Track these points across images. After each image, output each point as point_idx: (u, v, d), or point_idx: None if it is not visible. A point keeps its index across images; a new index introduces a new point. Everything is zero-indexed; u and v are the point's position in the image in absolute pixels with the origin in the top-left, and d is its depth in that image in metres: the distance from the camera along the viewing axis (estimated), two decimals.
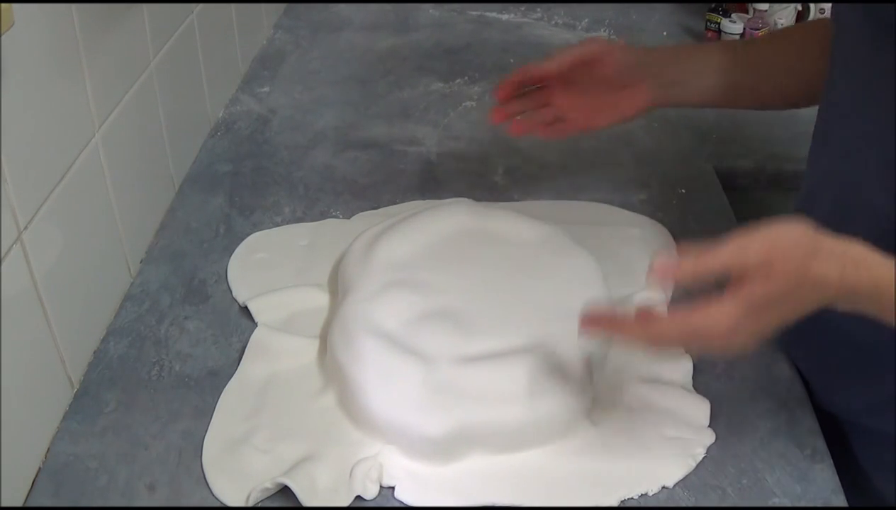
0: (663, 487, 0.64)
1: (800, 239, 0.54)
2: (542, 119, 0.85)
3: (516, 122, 0.85)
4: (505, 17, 1.51)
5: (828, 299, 0.54)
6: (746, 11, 1.39)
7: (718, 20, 1.38)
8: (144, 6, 0.89)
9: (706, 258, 0.54)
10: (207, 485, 0.65)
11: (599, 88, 0.82)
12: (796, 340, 0.77)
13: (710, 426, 0.69)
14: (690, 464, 0.66)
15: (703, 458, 0.67)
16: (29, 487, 0.65)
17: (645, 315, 0.57)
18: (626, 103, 0.82)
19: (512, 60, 1.34)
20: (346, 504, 0.63)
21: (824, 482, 0.65)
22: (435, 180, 1.03)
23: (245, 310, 0.81)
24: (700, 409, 0.70)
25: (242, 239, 0.91)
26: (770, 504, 0.64)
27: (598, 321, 0.60)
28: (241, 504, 0.63)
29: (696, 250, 0.54)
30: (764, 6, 1.33)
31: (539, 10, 1.52)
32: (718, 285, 0.54)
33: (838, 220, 0.69)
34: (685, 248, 0.54)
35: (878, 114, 0.64)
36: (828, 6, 1.32)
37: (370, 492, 0.63)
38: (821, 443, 0.68)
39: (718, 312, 0.53)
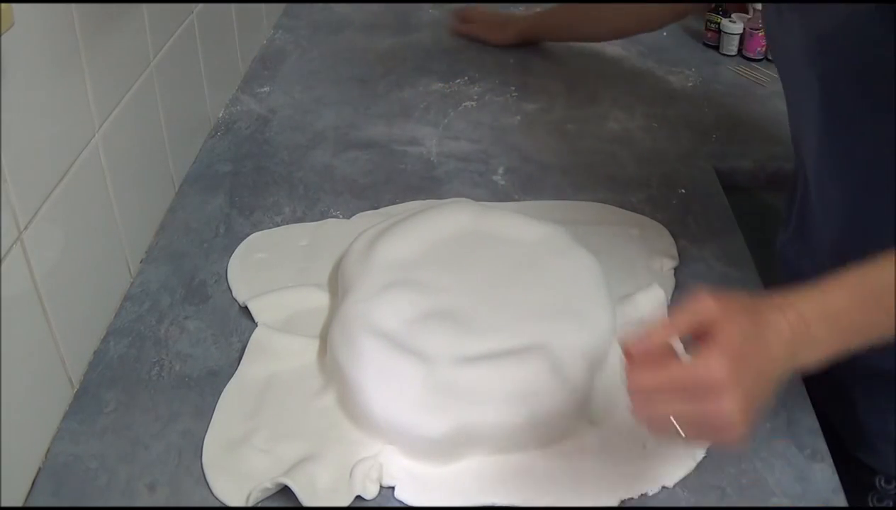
0: (663, 487, 0.64)
1: (737, 294, 0.57)
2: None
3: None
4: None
5: (786, 339, 0.55)
6: (746, 11, 1.39)
7: (718, 20, 1.38)
8: (144, 6, 0.89)
9: (672, 324, 0.56)
10: (207, 485, 0.65)
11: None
12: None
13: None
14: (690, 465, 0.66)
15: (703, 458, 0.67)
16: (29, 487, 0.65)
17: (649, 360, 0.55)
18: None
19: (512, 60, 1.34)
20: (346, 504, 0.63)
21: (824, 482, 0.65)
22: (435, 180, 1.03)
23: (245, 310, 0.81)
24: None
25: (242, 239, 0.91)
26: (770, 504, 0.64)
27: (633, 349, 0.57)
28: (241, 504, 0.63)
29: (658, 321, 0.56)
30: None
31: (539, 9, 1.52)
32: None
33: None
34: (650, 324, 0.56)
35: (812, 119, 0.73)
36: None
37: (370, 492, 0.63)
38: (821, 443, 0.68)
39: (706, 363, 0.53)
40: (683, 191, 1.00)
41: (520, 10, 1.53)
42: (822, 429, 0.70)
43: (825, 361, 0.57)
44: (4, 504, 0.62)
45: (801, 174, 0.82)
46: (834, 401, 0.76)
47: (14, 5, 0.61)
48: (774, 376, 0.56)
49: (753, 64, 1.35)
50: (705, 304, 0.55)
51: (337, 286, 0.82)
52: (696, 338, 0.55)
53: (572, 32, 1.35)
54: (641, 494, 0.64)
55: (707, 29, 1.40)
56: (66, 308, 0.71)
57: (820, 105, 0.72)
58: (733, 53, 1.38)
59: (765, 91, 1.26)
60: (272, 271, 0.86)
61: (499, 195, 1.00)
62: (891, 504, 0.80)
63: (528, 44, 1.38)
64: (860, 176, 0.71)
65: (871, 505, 0.80)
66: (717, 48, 1.39)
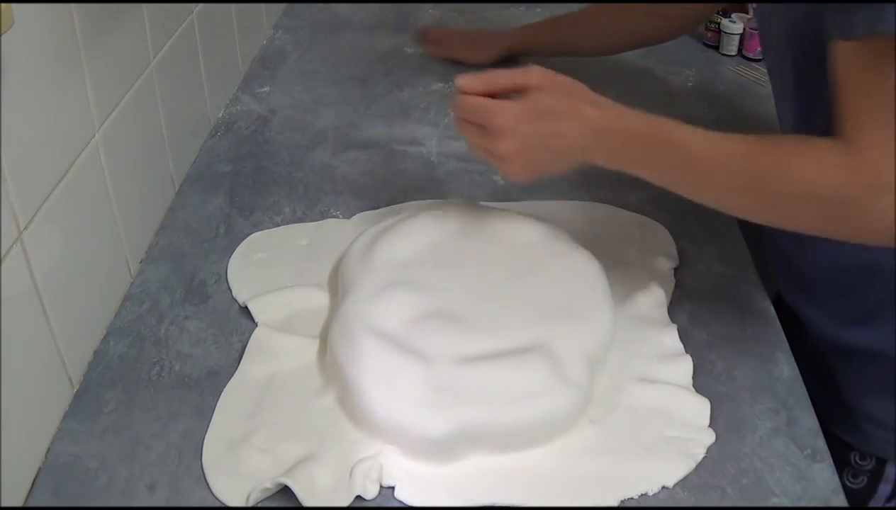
0: (663, 487, 0.64)
1: (572, 80, 0.71)
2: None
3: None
4: (505, 14, 1.51)
5: (584, 132, 0.69)
6: (746, 11, 1.39)
7: (718, 20, 1.38)
8: (144, 6, 0.89)
9: (499, 73, 0.73)
10: (207, 485, 0.65)
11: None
12: (785, 275, 0.87)
13: (710, 426, 0.69)
14: (690, 464, 0.66)
15: (703, 458, 0.67)
16: (29, 487, 0.65)
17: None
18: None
19: (511, 61, 1.34)
20: (346, 504, 0.63)
21: (824, 482, 0.65)
22: (435, 180, 1.03)
23: (245, 310, 0.81)
24: (700, 409, 0.70)
25: (242, 239, 0.91)
26: (770, 504, 0.64)
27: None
28: (241, 504, 0.63)
29: (490, 70, 0.73)
30: None
31: (539, 9, 1.52)
32: None
33: None
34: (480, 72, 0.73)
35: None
36: None
37: (370, 492, 0.63)
38: (821, 443, 0.68)
39: (509, 104, 0.70)
40: None
41: (520, 10, 1.53)
42: None
43: (614, 166, 0.70)
44: (4, 504, 0.62)
45: None
46: (813, 376, 0.76)
47: (14, 5, 0.61)
48: (564, 151, 0.70)
49: (753, 64, 1.35)
50: (534, 72, 0.70)
51: (337, 286, 0.82)
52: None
53: (565, 47, 1.25)
54: (641, 494, 0.64)
55: (707, 29, 1.40)
56: (66, 308, 0.71)
57: (795, 91, 0.75)
58: (733, 53, 1.38)
59: (765, 91, 1.26)
60: (272, 271, 0.86)
61: (499, 195, 1.00)
62: (865, 481, 0.80)
63: (514, 59, 1.27)
64: None
65: (846, 482, 0.81)
66: (717, 48, 1.39)
